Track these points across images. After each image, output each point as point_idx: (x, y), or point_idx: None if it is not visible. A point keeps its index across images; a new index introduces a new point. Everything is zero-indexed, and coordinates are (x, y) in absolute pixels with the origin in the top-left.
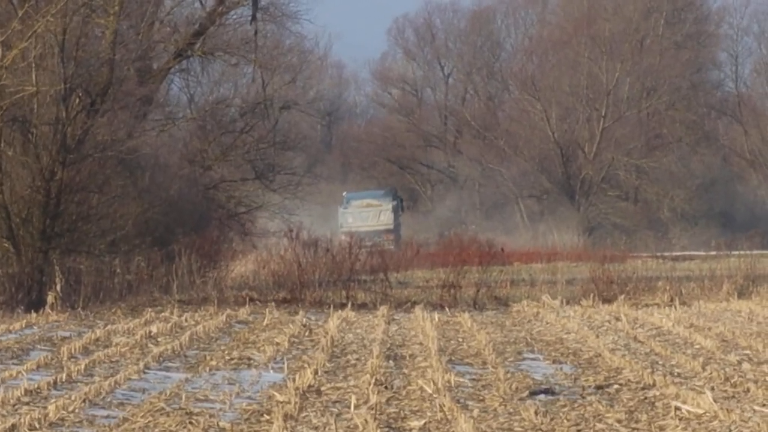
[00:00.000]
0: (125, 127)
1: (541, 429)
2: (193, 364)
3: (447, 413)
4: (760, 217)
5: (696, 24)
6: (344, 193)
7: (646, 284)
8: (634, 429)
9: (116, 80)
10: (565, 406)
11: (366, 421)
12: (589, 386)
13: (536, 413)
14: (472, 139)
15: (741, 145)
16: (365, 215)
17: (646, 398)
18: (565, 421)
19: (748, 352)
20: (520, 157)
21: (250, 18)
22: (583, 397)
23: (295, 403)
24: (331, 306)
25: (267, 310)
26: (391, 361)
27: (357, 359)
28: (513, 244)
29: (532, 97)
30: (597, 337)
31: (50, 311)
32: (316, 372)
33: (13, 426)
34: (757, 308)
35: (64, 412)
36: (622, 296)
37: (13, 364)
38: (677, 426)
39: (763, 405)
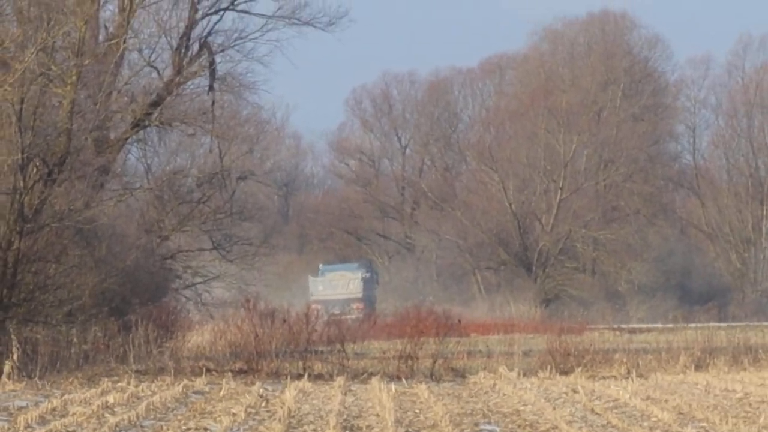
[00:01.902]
0: (82, 196)
1: None
2: None
3: None
4: (717, 289)
5: (653, 96)
6: (320, 265)
7: (603, 356)
8: None
9: (73, 150)
10: None
11: None
12: None
13: None
14: (429, 210)
15: (698, 218)
16: (335, 284)
17: None
18: None
19: (704, 424)
20: (477, 228)
21: (207, 88)
22: None
23: None
24: (288, 376)
25: (224, 380)
26: None
27: (313, 430)
28: (470, 316)
29: (490, 168)
30: (554, 409)
31: (7, 380)
32: None
33: None
34: (714, 381)
35: None
36: (579, 368)
37: None
38: None
39: None
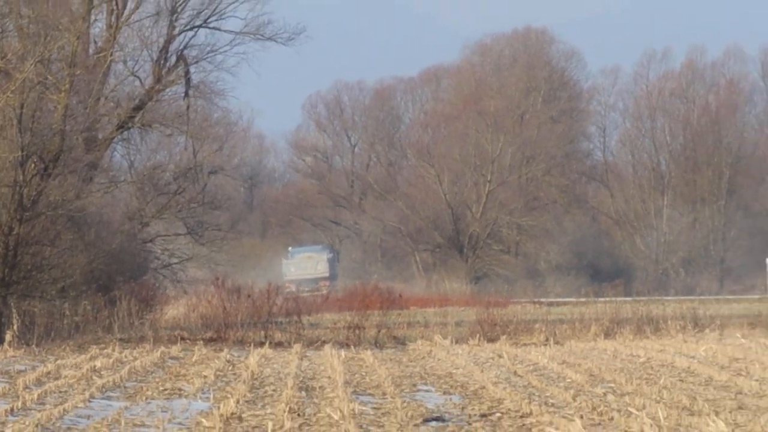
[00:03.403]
0: (74, 189)
1: None
2: (132, 394)
3: None
4: (623, 269)
5: (569, 101)
6: (289, 248)
7: (524, 326)
8: None
9: (66, 148)
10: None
11: None
12: (475, 415)
13: None
14: (375, 201)
15: (607, 207)
16: (305, 265)
17: (524, 425)
18: None
19: (612, 385)
20: (416, 215)
21: (183, 95)
22: (470, 424)
23: (220, 428)
24: (252, 344)
25: (196, 347)
26: (303, 392)
27: (273, 390)
28: (409, 291)
29: (427, 164)
30: (482, 371)
31: (8, 347)
32: (238, 401)
33: None
34: (620, 347)
35: None
36: (504, 336)
37: None
38: None
39: (625, 431)
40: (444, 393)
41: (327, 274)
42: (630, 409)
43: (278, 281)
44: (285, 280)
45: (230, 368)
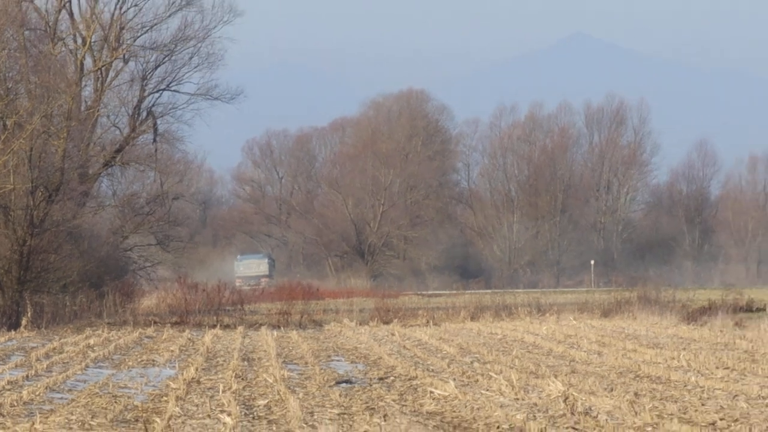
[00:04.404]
0: (71, 211)
1: (343, 406)
2: (117, 363)
3: (282, 395)
4: (484, 268)
5: (442, 144)
6: (238, 256)
7: (411, 312)
8: (403, 405)
9: (65, 181)
10: (359, 391)
11: (229, 400)
12: (375, 378)
13: (340, 395)
14: (297, 219)
15: (471, 222)
16: (251, 266)
17: (411, 386)
18: (359, 401)
19: (477, 355)
20: (328, 230)
21: (152, 140)
22: (371, 385)
23: (183, 389)
24: (207, 326)
25: (165, 329)
26: (245, 362)
27: (223, 361)
28: (324, 287)
29: (336, 192)
30: (379, 346)
31: (23, 330)
32: (197, 369)
33: (0, 405)
34: (483, 327)
35: (33, 395)
36: (396, 319)
37: None
38: (431, 403)
39: (487, 390)
40: (351, 362)
41: (267, 273)
42: (491, 373)
43: (229, 279)
44: (236, 277)
45: (191, 344)
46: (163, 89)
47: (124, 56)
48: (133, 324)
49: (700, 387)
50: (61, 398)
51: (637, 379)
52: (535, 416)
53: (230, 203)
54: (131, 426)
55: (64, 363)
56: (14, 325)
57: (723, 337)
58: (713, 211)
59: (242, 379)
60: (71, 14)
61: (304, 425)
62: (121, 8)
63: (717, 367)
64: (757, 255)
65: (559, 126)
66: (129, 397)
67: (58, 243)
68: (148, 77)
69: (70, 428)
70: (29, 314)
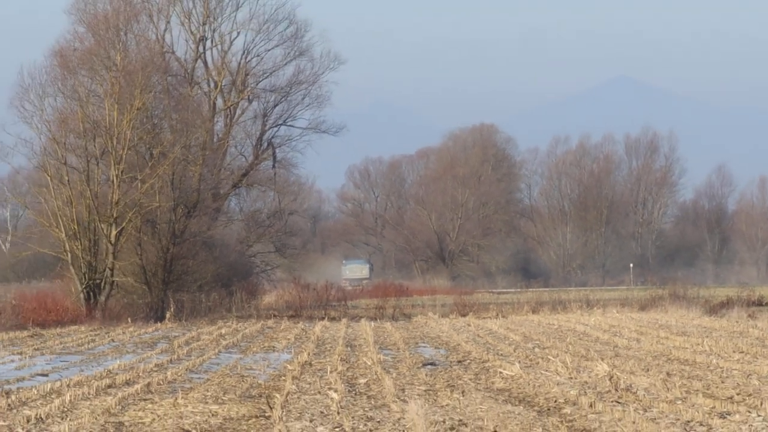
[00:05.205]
0: (206, 224)
1: (428, 384)
2: (244, 349)
3: (378, 375)
4: (543, 271)
5: (508, 168)
6: (343, 260)
7: (483, 306)
8: (478, 383)
9: (201, 199)
10: (441, 371)
11: (336, 379)
12: (454, 361)
13: (426, 375)
14: (390, 230)
15: (532, 233)
16: (355, 270)
17: (484, 367)
18: (441, 379)
19: (538, 342)
20: (416, 239)
21: (272, 166)
22: (451, 366)
23: (298, 370)
24: (317, 319)
25: (282, 321)
26: (348, 348)
27: (330, 347)
28: (412, 286)
29: (422, 208)
30: (457, 335)
31: (168, 322)
32: (309, 354)
33: (149, 384)
34: (543, 319)
35: (175, 375)
36: (471, 313)
37: (148, 350)
38: (501, 382)
39: (546, 370)
40: (435, 348)
41: (368, 276)
42: (549, 357)
43: (335, 280)
44: (343, 279)
45: (304, 334)
46: (281, 124)
47: (248, 97)
48: (257, 317)
49: (720, 368)
50: (199, 378)
51: (669, 361)
52: (585, 392)
53: (335, 217)
54: (256, 400)
55: (200, 349)
56: (160, 318)
57: (738, 326)
58: (730, 223)
59: (346, 362)
60: (205, 63)
61: (397, 399)
62: (246, 58)
63: (734, 351)
64: (766, 258)
65: (603, 153)
66: (254, 377)
67: (195, 250)
68: (268, 114)
69: (206, 402)
70: (172, 309)
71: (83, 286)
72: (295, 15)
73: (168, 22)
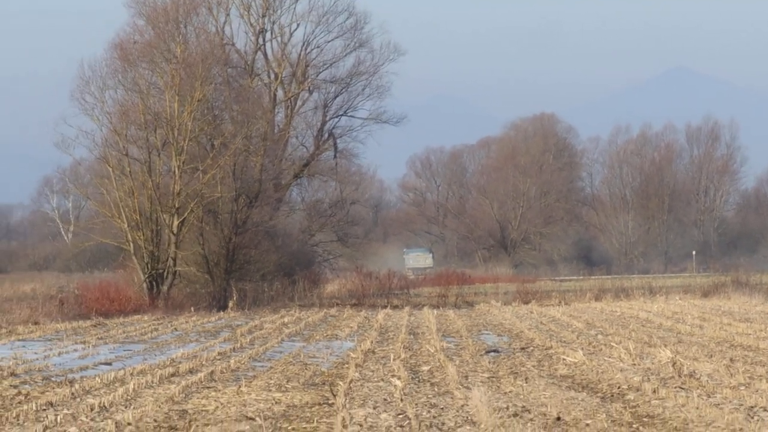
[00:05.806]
0: (268, 214)
1: (491, 371)
2: (307, 337)
3: (441, 362)
4: (605, 258)
5: (569, 157)
6: (404, 249)
7: (546, 294)
8: (541, 370)
9: (263, 190)
10: (504, 358)
11: (399, 367)
12: (517, 348)
13: (489, 362)
14: (452, 219)
15: (594, 221)
16: (418, 259)
17: (547, 354)
18: (504, 366)
19: (600, 329)
20: (478, 228)
21: (333, 157)
22: (514, 354)
23: (361, 358)
24: (379, 307)
25: (345, 309)
26: (411, 335)
27: (393, 335)
28: (475, 274)
29: (483, 197)
30: (520, 322)
31: (230, 311)
32: (371, 342)
33: (212, 372)
34: (605, 306)
35: (239, 364)
36: (533, 300)
37: (211, 339)
38: (564, 368)
39: (609, 357)
40: (498, 335)
41: (430, 265)
42: (612, 343)
43: (397, 269)
44: (406, 267)
45: (366, 322)
46: (341, 115)
47: (309, 88)
48: (319, 305)
49: None
50: (262, 366)
51: (732, 347)
52: (648, 378)
53: (397, 207)
54: (319, 388)
55: (263, 337)
56: (223, 307)
57: None
58: None
59: (409, 349)
60: (265, 55)
61: (460, 386)
62: (306, 50)
63: None
64: None
65: (664, 142)
66: (317, 365)
67: (257, 240)
68: (329, 105)
69: (270, 390)
70: (235, 298)
71: (146, 276)
72: (354, 7)
73: (227, 15)
